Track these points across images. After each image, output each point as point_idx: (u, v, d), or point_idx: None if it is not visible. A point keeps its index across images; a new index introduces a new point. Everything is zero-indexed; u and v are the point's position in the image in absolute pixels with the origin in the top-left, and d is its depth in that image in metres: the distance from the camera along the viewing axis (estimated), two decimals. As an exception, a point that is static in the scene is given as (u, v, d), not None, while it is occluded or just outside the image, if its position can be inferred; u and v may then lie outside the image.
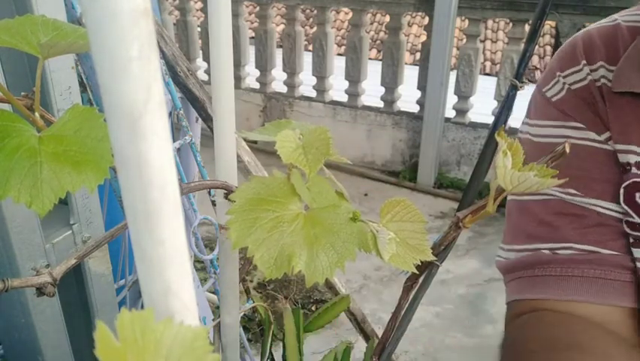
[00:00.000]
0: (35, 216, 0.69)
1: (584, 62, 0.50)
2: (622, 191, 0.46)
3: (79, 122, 0.32)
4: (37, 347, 0.75)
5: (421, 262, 0.35)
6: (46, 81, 0.65)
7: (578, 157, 0.49)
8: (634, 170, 0.46)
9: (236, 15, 3.87)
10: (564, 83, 0.51)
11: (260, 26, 3.79)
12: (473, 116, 3.33)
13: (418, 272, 0.33)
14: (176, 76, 0.99)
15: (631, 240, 0.47)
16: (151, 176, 0.19)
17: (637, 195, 0.46)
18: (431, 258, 0.33)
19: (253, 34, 3.88)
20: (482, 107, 3.41)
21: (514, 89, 0.44)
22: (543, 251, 0.50)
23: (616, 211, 0.48)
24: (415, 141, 3.42)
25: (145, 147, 0.19)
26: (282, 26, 3.90)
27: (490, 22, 8.26)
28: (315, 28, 3.63)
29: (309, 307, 2.14)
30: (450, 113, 3.31)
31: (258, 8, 3.78)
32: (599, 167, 0.48)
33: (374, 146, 3.59)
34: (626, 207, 0.46)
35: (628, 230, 0.47)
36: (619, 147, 0.47)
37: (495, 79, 3.17)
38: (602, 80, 0.48)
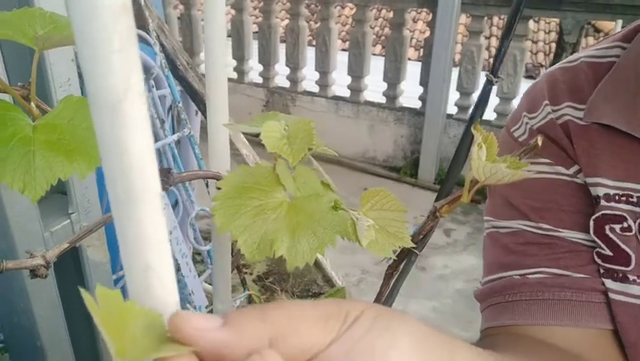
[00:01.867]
0: (35, 206, 0.71)
1: (546, 102, 0.51)
2: (591, 223, 0.47)
3: (72, 112, 0.34)
4: (36, 331, 0.77)
5: (402, 249, 0.36)
6: (46, 73, 0.66)
7: (548, 191, 0.50)
8: (603, 202, 0.46)
9: (240, 10, 3.87)
10: (527, 124, 0.52)
11: (264, 21, 3.79)
12: (475, 112, 3.34)
13: (397, 259, 0.35)
14: (175, 69, 1.00)
15: (602, 270, 0.47)
16: (131, 160, 0.21)
17: (606, 227, 0.46)
18: (410, 245, 0.35)
19: (257, 29, 3.88)
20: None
21: (489, 84, 0.45)
22: (514, 277, 0.50)
23: (588, 240, 0.48)
24: (416, 137, 3.42)
25: (124, 133, 0.20)
26: (286, 21, 3.90)
27: (495, 19, 8.22)
28: (318, 24, 3.63)
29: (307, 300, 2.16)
30: (452, 109, 3.31)
31: (262, 3, 3.78)
32: (569, 199, 0.49)
33: (376, 141, 3.60)
34: (596, 239, 0.47)
35: (599, 261, 0.47)
36: (588, 180, 0.47)
37: (497, 76, 3.17)
38: (567, 118, 0.49)
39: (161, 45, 0.94)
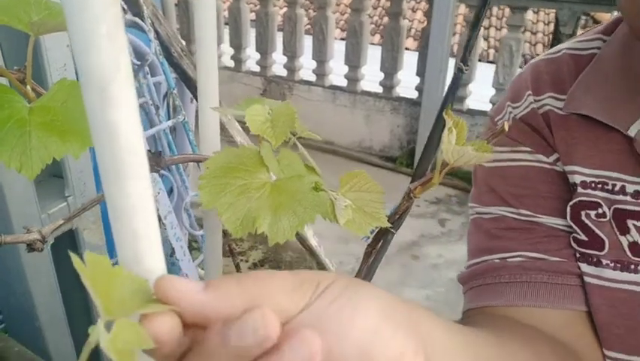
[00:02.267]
0: (32, 189, 0.73)
1: (529, 92, 0.52)
2: (568, 209, 0.49)
3: (66, 95, 0.36)
4: (34, 313, 0.79)
5: (379, 229, 0.38)
6: (42, 58, 0.68)
7: (528, 178, 0.52)
8: (579, 189, 0.48)
9: (237, -3, 3.86)
10: (510, 113, 0.54)
11: (261, 9, 3.79)
12: (471, 103, 3.35)
13: (373, 237, 0.37)
14: (170, 56, 1.01)
15: (577, 255, 0.49)
16: (119, 139, 0.22)
17: (582, 213, 0.48)
18: (386, 225, 0.37)
19: (254, 17, 3.87)
20: (481, 94, 3.42)
21: (460, 72, 0.47)
22: (495, 260, 0.52)
23: (565, 226, 0.50)
24: (412, 127, 3.44)
25: (113, 112, 0.22)
26: (283, 9, 3.89)
27: (495, 10, 8.20)
28: (316, 12, 3.63)
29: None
30: (448, 99, 3.32)
31: (259, -9, 3.77)
32: (548, 186, 0.51)
33: (372, 131, 3.62)
34: (572, 224, 0.49)
35: (575, 246, 0.49)
36: (566, 168, 0.49)
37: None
38: (548, 107, 0.51)
39: (156, 32, 0.95)
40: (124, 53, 0.22)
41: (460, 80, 0.46)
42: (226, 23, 4.11)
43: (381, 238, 0.39)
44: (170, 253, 0.94)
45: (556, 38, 3.40)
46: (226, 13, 4.03)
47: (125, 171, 0.23)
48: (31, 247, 0.36)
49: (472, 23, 0.43)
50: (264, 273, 0.26)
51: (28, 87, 0.37)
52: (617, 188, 0.46)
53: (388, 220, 0.37)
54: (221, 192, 0.35)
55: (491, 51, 7.90)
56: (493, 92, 3.19)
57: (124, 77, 0.22)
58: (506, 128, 0.33)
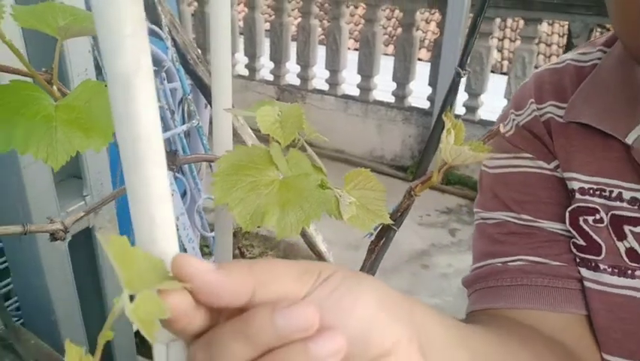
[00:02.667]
0: (52, 188, 0.76)
1: (532, 100, 0.54)
2: (567, 215, 0.50)
3: (89, 95, 0.38)
4: (51, 307, 0.81)
5: (381, 226, 0.40)
6: (65, 63, 0.71)
7: (529, 184, 0.53)
8: (578, 195, 0.49)
9: (252, 7, 3.92)
10: (513, 120, 0.56)
11: (276, 19, 3.84)
12: (484, 113, 3.35)
13: (376, 235, 0.38)
14: (186, 63, 1.04)
15: (577, 259, 0.50)
16: (139, 129, 0.25)
17: (580, 219, 0.49)
18: (388, 222, 0.38)
19: (269, 27, 3.93)
20: (493, 105, 3.42)
21: (458, 76, 0.49)
22: (497, 264, 0.54)
23: (565, 231, 0.51)
24: (424, 137, 3.44)
25: (134, 105, 0.24)
26: (298, 20, 3.95)
27: (509, 21, 8.20)
28: (330, 23, 3.67)
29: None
30: (460, 110, 3.33)
31: (274, 1, 3.83)
32: (549, 192, 0.52)
33: (384, 140, 3.63)
34: (571, 230, 0.50)
35: (574, 251, 0.50)
36: (565, 174, 0.51)
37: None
38: (549, 115, 0.52)
39: (173, 40, 0.99)
40: (146, 51, 0.24)
41: (458, 85, 0.47)
42: (241, 33, 4.18)
43: (383, 236, 0.41)
44: (182, 254, 0.96)
45: (569, 49, 3.40)
46: (241, 23, 4.09)
47: (143, 158, 0.25)
48: (53, 236, 0.38)
49: (469, 31, 0.45)
50: (272, 260, 0.28)
51: (55, 87, 0.39)
52: (614, 195, 0.47)
53: (390, 218, 0.39)
54: (232, 188, 0.37)
55: (505, 62, 7.89)
56: (505, 103, 3.19)
57: (145, 73, 0.24)
58: (501, 129, 0.34)
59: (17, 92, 0.37)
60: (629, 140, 0.46)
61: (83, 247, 0.86)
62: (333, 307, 0.27)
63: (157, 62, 1.08)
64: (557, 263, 0.51)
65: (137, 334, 1.04)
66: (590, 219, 0.49)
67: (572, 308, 0.50)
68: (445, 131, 0.34)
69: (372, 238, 0.41)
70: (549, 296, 0.50)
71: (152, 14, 1.01)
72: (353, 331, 0.26)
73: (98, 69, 0.82)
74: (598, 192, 0.49)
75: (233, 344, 0.24)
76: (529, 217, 0.53)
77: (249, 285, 0.25)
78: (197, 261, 0.25)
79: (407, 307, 0.30)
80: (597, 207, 0.48)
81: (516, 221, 0.53)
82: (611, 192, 0.48)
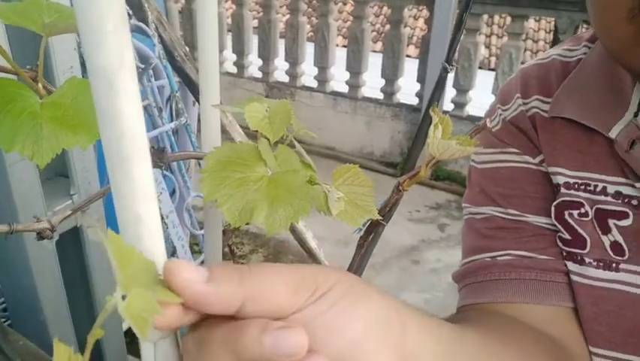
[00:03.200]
0: (39, 187, 0.75)
1: (518, 95, 0.54)
2: (552, 209, 0.50)
3: (75, 92, 0.38)
4: (39, 307, 0.81)
5: (370, 222, 0.40)
6: (51, 61, 0.70)
7: (515, 179, 0.53)
8: (563, 190, 0.50)
9: (240, 4, 3.91)
10: (500, 115, 0.56)
11: (264, 16, 3.83)
12: (472, 109, 3.37)
13: (365, 230, 0.39)
14: (173, 60, 1.04)
15: (564, 253, 0.51)
16: (123, 126, 0.24)
17: (566, 213, 0.49)
18: (377, 217, 0.39)
19: (257, 24, 3.92)
20: (481, 101, 3.44)
21: (445, 72, 0.49)
22: (485, 259, 0.54)
23: (552, 225, 0.52)
24: (413, 133, 3.45)
25: (118, 102, 0.24)
26: (286, 17, 3.94)
27: (496, 18, 8.25)
28: (318, 20, 3.66)
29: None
30: (448, 106, 3.35)
31: (262, -2, 3.82)
32: (534, 186, 0.53)
33: (373, 137, 3.64)
34: (556, 224, 0.50)
35: (560, 245, 0.51)
36: (550, 169, 0.51)
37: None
38: (534, 110, 0.53)
39: (160, 37, 0.98)
40: (128, 47, 0.24)
41: (445, 80, 0.48)
42: (229, 30, 4.15)
43: (372, 231, 0.41)
44: (172, 252, 0.96)
45: (555, 45, 3.42)
46: (229, 20, 4.07)
47: (127, 155, 0.25)
48: (40, 235, 0.38)
49: (455, 27, 0.46)
50: (267, 269, 0.27)
51: (40, 85, 0.39)
52: (598, 189, 0.48)
53: (379, 213, 0.39)
54: (220, 184, 0.37)
55: (492, 59, 7.93)
56: (493, 99, 3.20)
57: (128, 70, 0.24)
58: (488, 124, 0.34)
59: (2, 89, 0.36)
60: (612, 134, 0.46)
61: (71, 246, 0.86)
62: (323, 326, 0.26)
63: (144, 59, 1.07)
64: (544, 257, 0.51)
65: (127, 333, 1.04)
66: (575, 213, 0.49)
67: (559, 301, 0.50)
68: (432, 126, 0.34)
69: (361, 233, 0.41)
70: (537, 290, 0.51)
71: (138, 11, 1.00)
72: (339, 353, 0.26)
73: (84, 66, 0.82)
74: (583, 187, 0.49)
75: (221, 352, 0.25)
76: (516, 212, 0.53)
77: (238, 297, 0.25)
78: (187, 269, 0.24)
79: (399, 330, 0.30)
80: (582, 201, 0.49)
81: (503, 216, 0.54)
82: (595, 186, 0.48)
